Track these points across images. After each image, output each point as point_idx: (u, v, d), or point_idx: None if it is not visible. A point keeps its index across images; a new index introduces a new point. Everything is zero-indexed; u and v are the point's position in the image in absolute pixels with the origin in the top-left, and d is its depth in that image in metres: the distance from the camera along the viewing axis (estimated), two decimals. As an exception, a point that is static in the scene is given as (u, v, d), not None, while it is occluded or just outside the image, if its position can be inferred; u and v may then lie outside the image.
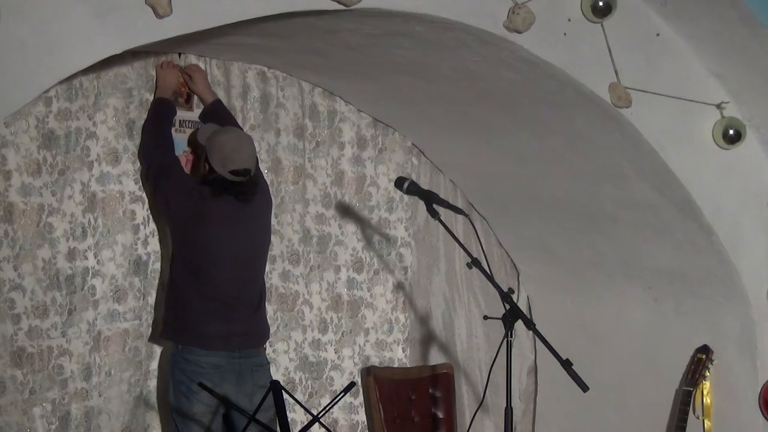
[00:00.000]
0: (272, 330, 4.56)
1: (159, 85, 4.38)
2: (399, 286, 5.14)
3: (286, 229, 4.77)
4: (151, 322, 4.43)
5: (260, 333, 4.36)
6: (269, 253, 4.51)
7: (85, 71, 3.76)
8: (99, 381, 4.27)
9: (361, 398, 4.97)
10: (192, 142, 4.49)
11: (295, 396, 4.63)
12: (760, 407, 4.46)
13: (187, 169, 4.45)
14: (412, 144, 5.19)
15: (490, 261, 4.43)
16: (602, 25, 4.06)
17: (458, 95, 4.50)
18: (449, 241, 5.13)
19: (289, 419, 3.48)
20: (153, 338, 4.42)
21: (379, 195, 5.09)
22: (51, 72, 3.21)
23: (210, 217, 4.16)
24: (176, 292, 4.22)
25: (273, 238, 4.60)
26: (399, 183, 3.88)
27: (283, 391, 3.38)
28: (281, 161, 4.78)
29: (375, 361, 5.04)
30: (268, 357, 4.45)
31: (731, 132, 4.31)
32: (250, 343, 4.26)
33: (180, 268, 4.21)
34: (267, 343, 4.46)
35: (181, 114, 4.48)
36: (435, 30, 3.89)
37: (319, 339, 4.89)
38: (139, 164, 4.37)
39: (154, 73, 4.41)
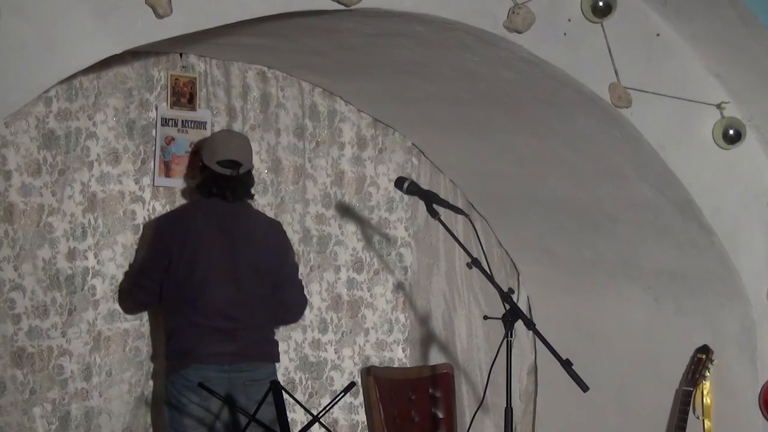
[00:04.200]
0: (273, 330, 4.55)
1: None
2: (399, 286, 5.14)
3: (286, 229, 4.76)
4: (152, 322, 4.43)
5: (259, 351, 4.22)
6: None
7: (85, 71, 3.76)
8: (99, 381, 4.28)
9: (361, 398, 4.97)
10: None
11: (295, 396, 4.63)
12: (760, 407, 4.46)
13: (189, 170, 4.48)
14: (412, 144, 5.19)
15: (490, 261, 4.43)
16: (602, 25, 4.06)
17: (458, 95, 4.50)
18: (449, 241, 5.12)
19: (289, 419, 3.48)
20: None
21: (379, 195, 5.09)
22: (51, 72, 3.21)
23: (195, 239, 4.13)
24: (169, 326, 4.20)
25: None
26: (399, 183, 3.88)
27: (283, 391, 3.39)
28: (281, 161, 4.78)
29: (375, 361, 5.04)
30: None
31: (731, 132, 4.31)
32: (243, 359, 4.14)
33: (172, 302, 4.17)
34: (274, 355, 4.36)
35: (184, 114, 4.49)
36: (435, 30, 3.89)
37: (319, 339, 4.89)
38: (139, 164, 4.39)
39: (154, 73, 4.42)
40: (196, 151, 4.42)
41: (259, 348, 4.23)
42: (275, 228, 4.40)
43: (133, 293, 4.28)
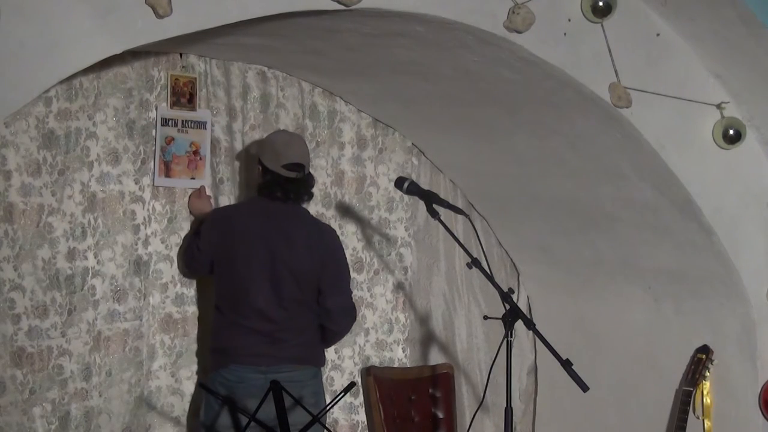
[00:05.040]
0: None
1: (195, 213, 4.47)
2: (399, 286, 5.14)
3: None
4: (152, 322, 4.43)
5: (298, 354, 4.20)
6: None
7: (85, 71, 3.76)
8: (99, 381, 4.28)
9: (361, 398, 4.97)
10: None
11: (295, 396, 4.63)
12: (760, 407, 4.46)
13: (189, 169, 4.47)
14: (412, 144, 5.19)
15: (490, 261, 4.43)
16: (602, 25, 4.06)
17: (458, 95, 4.50)
18: (449, 241, 5.13)
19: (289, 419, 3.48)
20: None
21: (379, 195, 5.09)
22: (51, 72, 3.21)
23: (239, 239, 4.17)
24: (213, 324, 4.28)
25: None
26: (399, 183, 3.89)
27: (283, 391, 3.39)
28: (281, 161, 4.78)
29: (375, 361, 5.04)
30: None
31: (731, 132, 4.31)
32: (282, 361, 4.14)
33: (216, 300, 4.25)
34: (316, 359, 4.34)
35: (184, 114, 4.48)
36: (435, 30, 3.89)
37: (319, 339, 4.89)
38: (139, 164, 4.39)
39: (154, 73, 4.42)
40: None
41: (299, 351, 4.20)
42: (324, 234, 4.37)
43: (185, 255, 4.40)
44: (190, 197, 4.48)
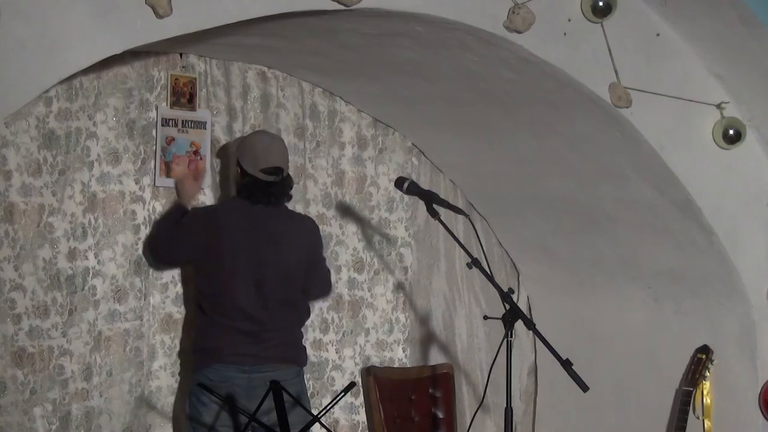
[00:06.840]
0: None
1: (181, 194, 4.39)
2: (399, 286, 5.14)
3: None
4: (152, 322, 4.43)
5: (282, 353, 4.21)
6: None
7: (85, 71, 3.76)
8: (100, 381, 4.28)
9: (361, 398, 4.97)
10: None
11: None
12: (760, 407, 4.46)
13: (189, 169, 4.47)
14: (412, 144, 5.19)
15: (490, 261, 4.42)
16: (602, 25, 4.06)
17: (458, 95, 4.50)
18: (449, 241, 5.13)
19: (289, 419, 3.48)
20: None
21: (379, 195, 5.09)
22: (51, 72, 3.22)
23: (223, 239, 4.15)
24: (197, 325, 4.27)
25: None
26: (399, 183, 3.88)
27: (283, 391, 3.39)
28: (281, 161, 4.78)
29: (375, 361, 5.05)
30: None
31: (731, 132, 4.31)
32: (265, 361, 4.15)
33: (200, 300, 4.23)
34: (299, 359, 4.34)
35: (184, 114, 4.49)
36: (435, 30, 3.89)
37: (320, 339, 4.89)
38: (140, 164, 4.39)
39: (154, 73, 4.42)
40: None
41: (282, 350, 4.21)
42: (309, 229, 4.39)
43: (159, 241, 4.30)
44: (185, 178, 4.39)
